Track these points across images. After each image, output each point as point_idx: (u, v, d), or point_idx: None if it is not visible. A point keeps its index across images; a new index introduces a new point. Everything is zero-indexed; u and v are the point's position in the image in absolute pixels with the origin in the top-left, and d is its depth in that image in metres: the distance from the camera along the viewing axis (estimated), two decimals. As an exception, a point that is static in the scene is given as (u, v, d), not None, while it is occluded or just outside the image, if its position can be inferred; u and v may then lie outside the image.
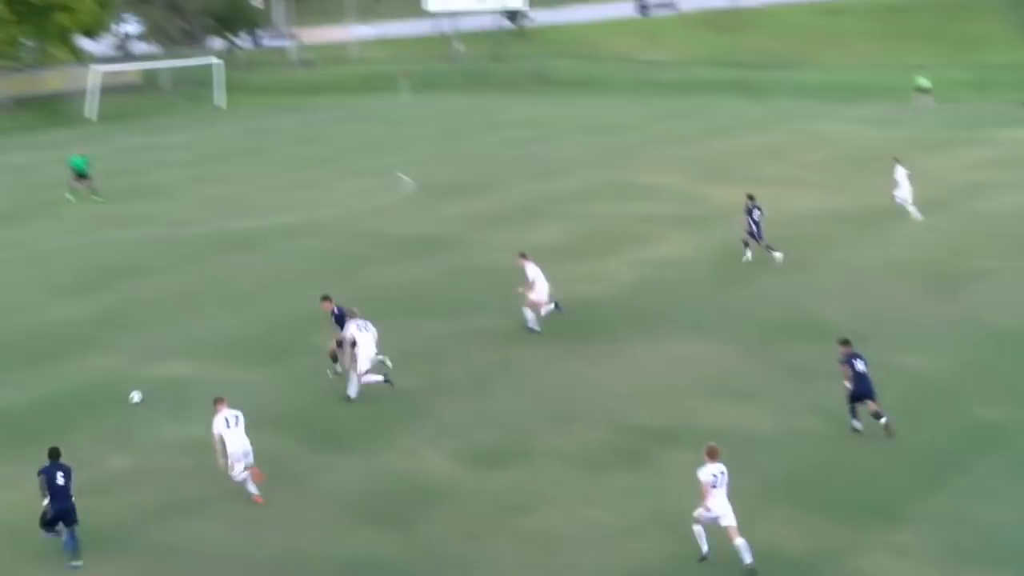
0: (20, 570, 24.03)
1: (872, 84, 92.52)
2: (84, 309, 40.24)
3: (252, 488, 26.16)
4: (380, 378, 31.70)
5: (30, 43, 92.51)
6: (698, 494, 23.03)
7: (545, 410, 28.90)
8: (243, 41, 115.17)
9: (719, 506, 22.98)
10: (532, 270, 36.78)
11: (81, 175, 58.94)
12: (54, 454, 24.90)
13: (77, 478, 24.46)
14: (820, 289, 40.14)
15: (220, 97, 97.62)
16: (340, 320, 32.40)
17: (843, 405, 28.73)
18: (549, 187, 58.61)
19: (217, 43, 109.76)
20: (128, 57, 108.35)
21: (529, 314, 36.62)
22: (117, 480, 27.25)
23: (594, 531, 24.52)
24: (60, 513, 24.38)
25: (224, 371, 33.86)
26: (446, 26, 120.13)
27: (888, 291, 39.72)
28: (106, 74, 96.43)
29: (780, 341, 34.90)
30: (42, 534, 24.48)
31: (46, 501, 24.40)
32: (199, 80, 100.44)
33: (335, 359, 32.80)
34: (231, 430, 26.48)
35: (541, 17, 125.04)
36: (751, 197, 43.80)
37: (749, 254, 43.39)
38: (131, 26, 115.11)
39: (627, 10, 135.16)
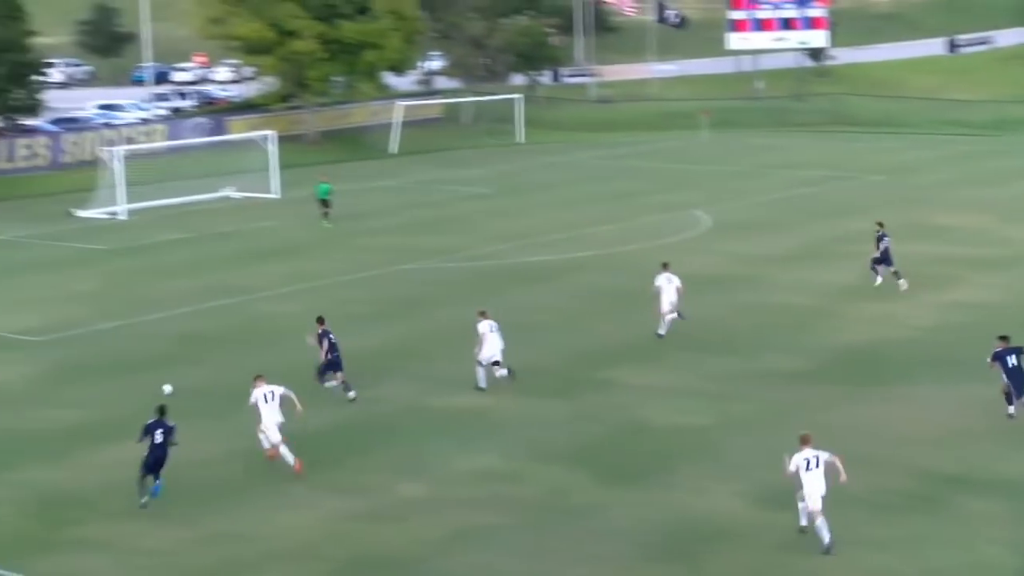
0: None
1: None
2: (379, 338, 41.08)
3: (289, 458, 29.19)
4: (504, 371, 34.97)
5: (339, 79, 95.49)
6: (792, 477, 25.15)
7: (836, 451, 28.11)
8: (544, 77, 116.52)
9: (810, 487, 24.96)
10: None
11: (323, 202, 61.91)
12: (161, 411, 28.31)
13: (363, 503, 24.87)
14: None
15: (519, 132, 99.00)
16: (331, 346, 34.77)
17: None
18: (845, 227, 57.51)
19: (518, 79, 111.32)
20: (431, 92, 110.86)
21: None
22: (408, 508, 27.58)
23: (884, 579, 23.85)
24: (154, 463, 27.80)
25: (515, 402, 34.12)
26: (747, 64, 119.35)
27: None
28: (409, 108, 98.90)
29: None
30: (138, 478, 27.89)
31: (145, 451, 27.71)
32: (499, 115, 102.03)
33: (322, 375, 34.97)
34: (267, 404, 29.60)
35: (844, 56, 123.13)
36: (880, 224, 45.97)
37: (879, 276, 45.29)
38: (435, 62, 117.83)
39: (936, 48, 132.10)
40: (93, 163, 76.15)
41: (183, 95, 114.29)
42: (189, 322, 43.57)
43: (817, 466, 25.18)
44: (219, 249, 57.37)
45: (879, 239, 45.74)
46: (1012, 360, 30.30)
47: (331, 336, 34.99)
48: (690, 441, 30.88)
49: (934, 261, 49.63)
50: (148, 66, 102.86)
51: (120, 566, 25.16)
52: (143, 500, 27.83)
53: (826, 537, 24.63)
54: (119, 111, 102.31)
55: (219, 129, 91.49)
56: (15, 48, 75.46)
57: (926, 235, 55.01)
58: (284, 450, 29.46)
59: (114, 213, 66.53)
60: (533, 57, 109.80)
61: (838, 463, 25.33)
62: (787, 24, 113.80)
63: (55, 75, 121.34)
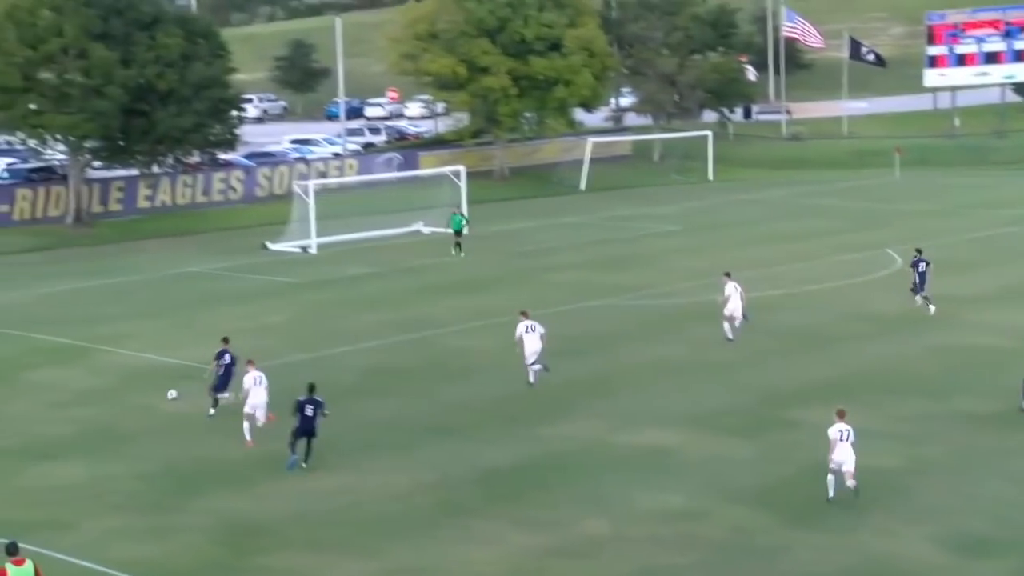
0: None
1: None
2: (565, 374, 40.86)
3: (248, 433, 34.51)
4: (538, 367, 39.23)
5: (530, 115, 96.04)
6: (828, 447, 29.05)
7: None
8: (735, 114, 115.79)
9: (842, 455, 29.07)
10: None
11: (457, 232, 64.76)
12: (311, 388, 32.85)
13: (547, 539, 24.75)
14: None
15: (709, 169, 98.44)
16: (226, 366, 37.40)
17: None
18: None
19: (709, 116, 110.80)
20: (621, 129, 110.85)
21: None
22: (593, 545, 27.44)
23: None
24: (303, 432, 32.44)
25: (700, 441, 33.81)
26: (945, 101, 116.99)
27: None
28: (599, 145, 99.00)
29: None
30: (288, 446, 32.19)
31: (296, 421, 32.28)
32: (688, 152, 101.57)
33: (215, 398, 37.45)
34: (256, 387, 34.91)
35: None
36: (919, 251, 48.75)
37: (918, 299, 47.84)
38: (626, 99, 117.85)
39: None
40: (286, 197, 77.65)
41: (375, 130, 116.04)
42: (377, 355, 44.02)
43: (849, 439, 29.28)
44: (407, 283, 57.94)
45: (915, 264, 48.60)
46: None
47: (228, 355, 37.78)
48: (878, 483, 30.19)
49: None
50: (341, 101, 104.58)
51: (305, 595, 25.44)
52: (291, 460, 32.36)
53: (852, 485, 29.00)
54: (312, 146, 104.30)
55: (410, 164, 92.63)
56: (216, 85, 77.33)
57: None
58: (247, 426, 34.68)
59: (306, 247, 67.67)
60: (725, 94, 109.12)
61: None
62: (991, 58, 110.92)
63: (251, 110, 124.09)
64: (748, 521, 28.24)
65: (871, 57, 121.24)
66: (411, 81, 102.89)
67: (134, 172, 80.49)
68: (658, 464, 32.15)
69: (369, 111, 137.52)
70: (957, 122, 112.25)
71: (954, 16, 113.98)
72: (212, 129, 78.45)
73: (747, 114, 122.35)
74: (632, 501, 29.71)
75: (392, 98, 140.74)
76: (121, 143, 77.01)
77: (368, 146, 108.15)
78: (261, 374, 35.28)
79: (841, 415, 29.67)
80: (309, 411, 32.48)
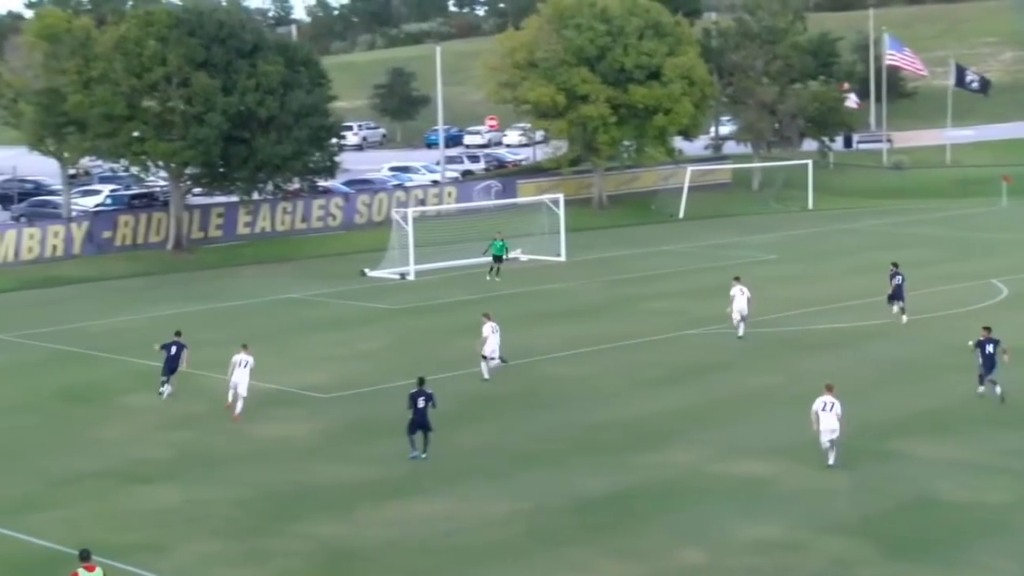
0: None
1: None
2: (664, 403, 40.76)
3: (237, 409, 39.72)
4: (496, 362, 43.69)
5: (629, 143, 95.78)
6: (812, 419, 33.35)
7: None
8: (836, 143, 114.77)
9: (827, 424, 33.45)
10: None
11: (497, 258, 65.72)
12: (420, 382, 35.69)
13: (641, 569, 24.48)
14: None
15: (809, 198, 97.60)
16: (172, 355, 42.84)
17: None
18: None
19: (810, 144, 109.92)
20: (720, 157, 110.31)
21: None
22: (688, 575, 27.10)
23: None
24: (416, 424, 35.12)
25: (798, 472, 33.38)
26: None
27: None
28: (698, 173, 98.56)
29: None
30: (408, 441, 35.10)
31: (410, 415, 35.07)
32: (788, 181, 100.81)
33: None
34: (239, 369, 39.98)
35: None
36: (895, 264, 52.83)
37: (894, 308, 51.56)
38: (725, 127, 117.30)
39: None
40: (384, 224, 77.98)
41: (474, 158, 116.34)
42: (474, 382, 43.90)
43: (831, 409, 33.74)
44: (505, 310, 57.69)
45: (892, 277, 52.48)
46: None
47: (176, 345, 43.06)
48: (984, 518, 29.61)
49: None
50: (440, 129, 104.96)
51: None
52: (412, 454, 35.12)
53: (830, 459, 33.42)
54: (411, 173, 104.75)
55: (508, 192, 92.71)
56: (316, 112, 77.87)
57: None
58: (240, 403, 39.92)
59: (404, 274, 67.83)
60: (825, 122, 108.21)
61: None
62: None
63: (350, 138, 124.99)
64: (847, 553, 27.78)
65: (975, 84, 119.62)
66: (510, 109, 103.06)
67: (234, 199, 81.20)
68: (755, 494, 31.76)
69: (468, 139, 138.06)
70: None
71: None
72: (312, 156, 78.97)
73: (848, 143, 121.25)
74: (728, 532, 29.33)
75: (491, 126, 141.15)
76: (221, 170, 77.75)
77: (466, 174, 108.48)
78: (249, 359, 40.53)
79: (829, 389, 34.27)
80: (421, 403, 35.23)
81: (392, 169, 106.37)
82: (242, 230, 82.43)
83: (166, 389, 43.02)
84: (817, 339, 48.99)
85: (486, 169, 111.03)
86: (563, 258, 71.97)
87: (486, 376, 44.09)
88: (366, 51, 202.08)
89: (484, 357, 44.11)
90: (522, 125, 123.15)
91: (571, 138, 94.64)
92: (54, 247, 75.78)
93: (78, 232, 76.95)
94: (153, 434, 38.90)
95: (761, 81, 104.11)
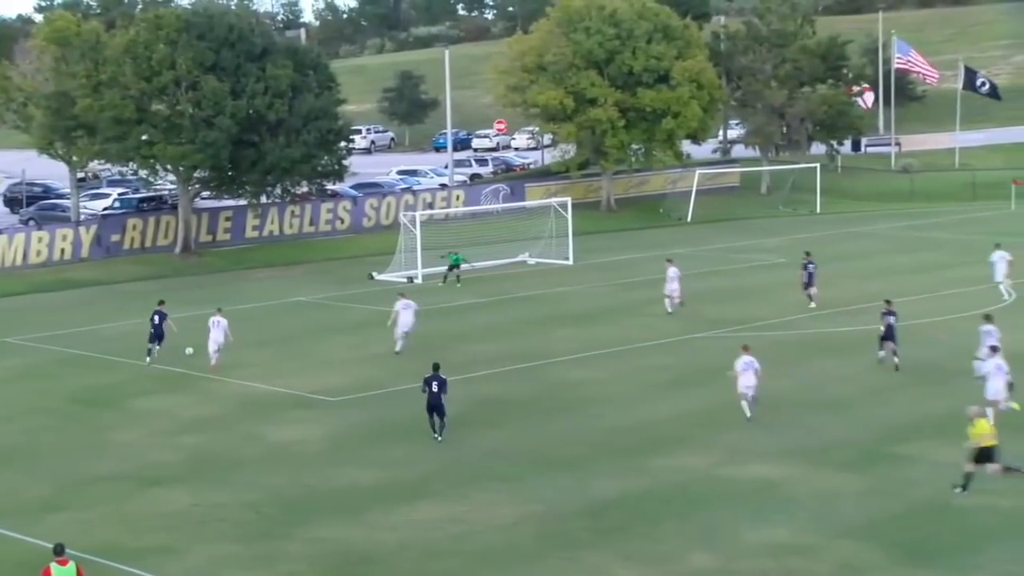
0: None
1: None
2: (675, 407, 40.78)
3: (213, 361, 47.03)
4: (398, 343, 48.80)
5: (637, 147, 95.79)
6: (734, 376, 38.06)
7: None
8: (844, 146, 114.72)
9: (745, 381, 38.36)
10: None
11: (454, 267, 66.92)
12: (436, 367, 37.37)
13: (653, 573, 24.50)
14: None
15: (817, 202, 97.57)
16: (156, 324, 48.69)
17: None
18: None
19: (818, 148, 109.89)
20: (728, 160, 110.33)
21: None
22: (698, 579, 27.20)
23: None
24: (431, 408, 37.11)
25: (810, 475, 33.35)
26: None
27: None
28: (706, 177, 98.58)
29: None
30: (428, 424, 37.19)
31: (426, 398, 37.04)
32: (797, 184, 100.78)
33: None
34: (214, 328, 47.34)
35: None
36: (808, 253, 58.33)
37: (811, 291, 56.22)
38: (733, 131, 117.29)
39: None
40: (393, 227, 78.05)
41: (482, 161, 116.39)
42: (484, 385, 43.96)
43: (750, 368, 38.59)
44: (514, 314, 57.92)
45: (804, 266, 57.10)
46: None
47: (157, 316, 48.76)
48: (997, 522, 29.59)
49: None
50: (449, 133, 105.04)
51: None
52: (436, 437, 37.16)
53: (748, 412, 38.26)
54: (419, 176, 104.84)
55: (517, 195, 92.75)
56: (325, 116, 77.96)
57: None
58: (217, 357, 47.10)
59: (411, 277, 67.86)
60: (834, 126, 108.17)
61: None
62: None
63: (359, 141, 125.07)
64: (857, 558, 27.76)
65: (985, 88, 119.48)
66: (518, 113, 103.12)
67: (242, 202, 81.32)
68: (765, 498, 31.75)
69: (476, 142, 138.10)
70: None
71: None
72: (321, 160, 79.08)
73: (856, 147, 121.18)
74: (739, 535, 29.33)
75: (499, 129, 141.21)
76: (230, 173, 77.88)
77: (475, 177, 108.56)
78: (223, 320, 47.74)
79: (746, 349, 39.09)
80: (435, 387, 36.95)
81: (400, 173, 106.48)
82: (250, 233, 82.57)
83: (151, 358, 48.52)
84: (828, 342, 48.96)
85: (494, 173, 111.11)
86: (571, 262, 71.95)
87: (397, 350, 48.97)
88: (375, 54, 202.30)
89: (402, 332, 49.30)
90: (530, 128, 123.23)
91: (579, 141, 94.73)
92: (63, 250, 75.94)
93: (87, 235, 77.10)
94: (165, 437, 38.95)
95: (770, 84, 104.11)
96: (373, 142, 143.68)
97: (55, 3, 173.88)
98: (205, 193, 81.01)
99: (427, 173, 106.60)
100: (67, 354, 51.71)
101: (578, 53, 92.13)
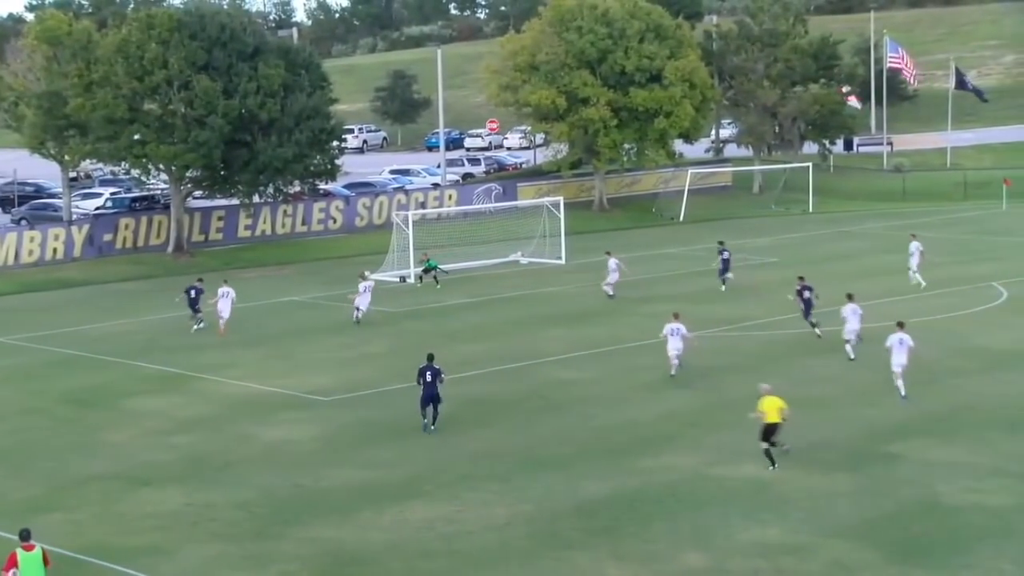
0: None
1: None
2: (666, 406, 40.83)
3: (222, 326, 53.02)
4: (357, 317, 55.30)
5: (630, 146, 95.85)
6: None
7: None
8: (837, 146, 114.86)
9: (673, 345, 43.17)
10: None
11: (429, 271, 67.00)
12: (430, 358, 38.27)
13: (644, 572, 24.54)
14: None
15: (810, 201, 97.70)
16: (191, 298, 54.74)
17: None
18: None
19: (810, 148, 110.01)
20: (721, 160, 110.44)
21: None
22: (689, 578, 27.25)
23: None
24: (426, 398, 37.86)
25: (801, 475, 33.39)
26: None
27: None
28: (698, 176, 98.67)
29: None
30: (420, 413, 38.05)
31: (420, 390, 37.88)
32: (789, 184, 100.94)
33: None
34: (223, 299, 53.20)
35: None
36: (721, 242, 62.77)
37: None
38: (726, 130, 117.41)
39: None
40: (385, 227, 78.06)
41: (475, 161, 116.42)
42: (476, 385, 44.00)
43: (677, 334, 43.20)
44: (506, 313, 57.96)
45: (720, 252, 62.09)
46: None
47: (193, 290, 54.69)
48: (986, 522, 29.64)
49: None
50: (441, 132, 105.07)
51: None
52: (426, 431, 37.83)
53: (673, 370, 43.60)
54: (411, 176, 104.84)
55: (509, 195, 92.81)
56: (317, 115, 77.96)
57: None
58: (224, 324, 53.04)
59: (404, 277, 67.90)
60: (826, 126, 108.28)
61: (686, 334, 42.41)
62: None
63: (351, 141, 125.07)
64: (848, 557, 27.82)
65: (971, 87, 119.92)
66: (511, 112, 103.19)
67: (235, 202, 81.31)
68: (757, 497, 31.79)
69: (469, 142, 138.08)
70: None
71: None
72: (313, 159, 79.09)
73: (848, 146, 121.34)
74: (731, 535, 29.38)
75: (492, 129, 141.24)
76: (223, 173, 77.87)
77: (467, 176, 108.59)
78: (231, 290, 53.85)
79: (676, 317, 43.46)
80: (428, 377, 37.75)
81: (393, 172, 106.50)
82: (243, 233, 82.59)
83: (197, 325, 54.54)
84: (817, 342, 48.99)
85: (487, 172, 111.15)
86: (563, 261, 72.01)
87: (356, 318, 55.37)
88: (367, 54, 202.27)
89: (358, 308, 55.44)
90: (523, 128, 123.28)
91: (572, 141, 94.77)
92: (55, 250, 75.93)
93: (79, 235, 77.09)
94: (157, 437, 38.95)
95: (762, 84, 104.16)
96: (365, 141, 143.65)
97: (46, 2, 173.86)
98: (197, 193, 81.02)
99: (419, 172, 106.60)
100: (59, 354, 51.69)
101: (570, 52, 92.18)
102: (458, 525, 30.36)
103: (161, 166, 77.49)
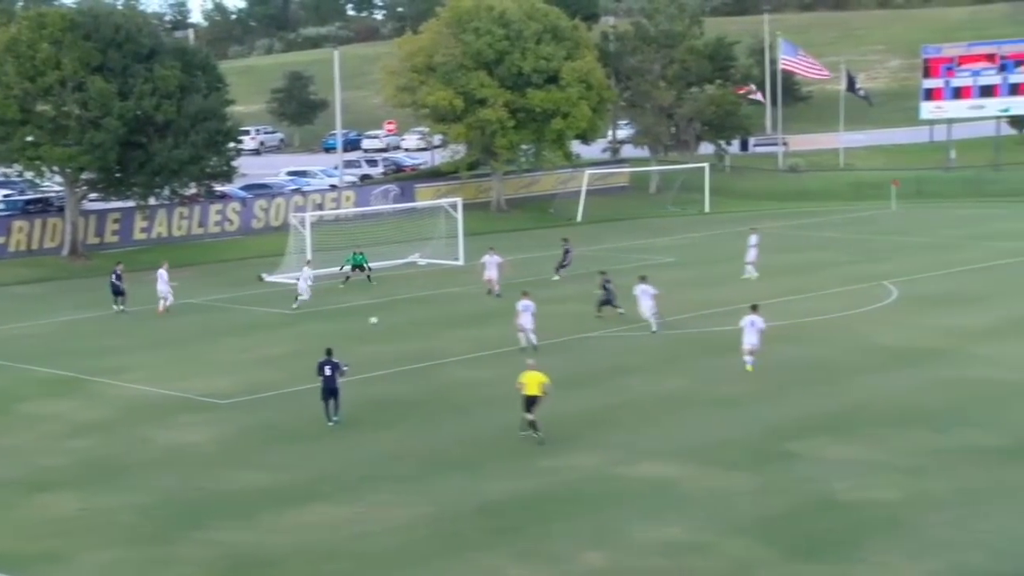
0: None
1: None
2: (566, 406, 40.79)
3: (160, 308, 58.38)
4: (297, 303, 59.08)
5: (527, 147, 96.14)
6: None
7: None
8: (732, 147, 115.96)
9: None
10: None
11: (359, 267, 66.74)
12: (328, 352, 38.87)
13: (546, 573, 24.61)
14: None
15: (706, 201, 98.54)
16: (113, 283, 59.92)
17: None
18: (1047, 301, 56.11)
19: (706, 148, 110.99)
20: (618, 161, 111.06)
21: None
22: (591, 577, 27.36)
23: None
24: (326, 392, 38.40)
25: (702, 474, 33.65)
26: (941, 134, 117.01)
27: None
28: (596, 177, 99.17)
29: None
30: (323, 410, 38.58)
31: (320, 383, 38.42)
32: (685, 184, 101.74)
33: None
34: (159, 282, 58.17)
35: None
36: (565, 239, 65.99)
37: (556, 277, 63.62)
38: (623, 131, 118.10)
39: None
40: (282, 229, 77.67)
41: (372, 162, 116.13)
42: (377, 387, 43.91)
43: (527, 310, 46.95)
44: (405, 315, 57.88)
45: (565, 252, 66.25)
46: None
47: (116, 275, 60.04)
48: (880, 517, 30.05)
49: None
50: (339, 133, 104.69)
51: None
52: (329, 423, 38.43)
53: (523, 342, 47.20)
54: (309, 177, 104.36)
55: (407, 196, 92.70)
56: (213, 117, 77.40)
57: None
58: (163, 304, 58.89)
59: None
60: (722, 126, 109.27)
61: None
62: (986, 91, 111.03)
63: (248, 142, 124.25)
64: (749, 554, 28.06)
65: (861, 93, 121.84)
66: (408, 113, 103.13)
67: (130, 204, 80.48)
68: (659, 497, 31.97)
69: (366, 143, 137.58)
70: (953, 154, 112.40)
71: (950, 50, 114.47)
72: (209, 161, 78.53)
73: (744, 146, 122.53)
74: (632, 534, 29.52)
75: (389, 130, 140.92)
76: (118, 175, 77.08)
77: (365, 178, 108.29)
78: (165, 273, 59.48)
79: (525, 295, 46.76)
80: (328, 371, 38.32)
81: (290, 174, 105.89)
82: (139, 235, 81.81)
83: (119, 308, 59.77)
84: (718, 341, 49.39)
85: (384, 173, 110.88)
86: (461, 262, 72.05)
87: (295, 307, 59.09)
88: (264, 55, 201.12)
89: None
90: (421, 129, 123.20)
91: (469, 142, 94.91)
92: (-54, 253, 74.75)
93: (-29, 238, 75.94)
94: (54, 442, 38.46)
95: (658, 85, 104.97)
96: (262, 143, 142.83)
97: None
98: (93, 195, 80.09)
99: (317, 174, 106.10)
100: (-49, 359, 50.90)
101: (468, 54, 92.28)
102: (360, 527, 30.26)
103: (55, 168, 76.50)
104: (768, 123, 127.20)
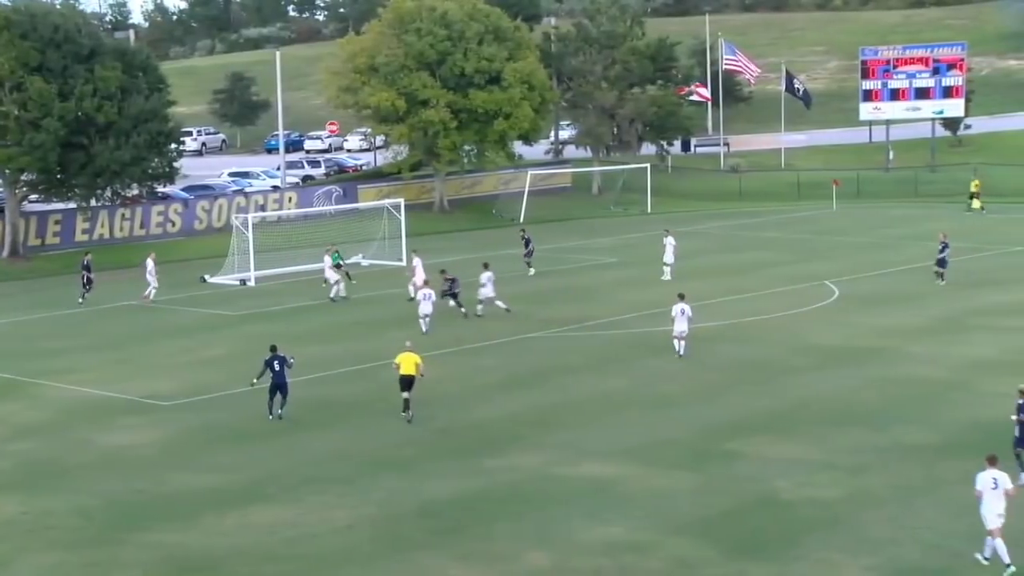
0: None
1: None
2: (507, 407, 41.07)
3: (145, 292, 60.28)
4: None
5: (470, 148, 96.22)
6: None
7: (973, 529, 27.55)
8: (673, 148, 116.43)
9: (423, 308, 42.07)
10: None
11: (337, 266, 64.42)
12: (273, 348, 39.34)
13: (488, 573, 24.69)
14: None
15: (648, 202, 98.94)
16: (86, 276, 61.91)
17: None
18: (979, 300, 56.64)
19: (648, 149, 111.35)
20: (560, 161, 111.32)
21: None
22: (533, 577, 27.50)
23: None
24: (275, 387, 38.78)
25: (643, 473, 33.88)
26: (879, 134, 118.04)
27: None
28: (538, 177, 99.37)
29: None
30: (267, 406, 39.02)
31: (269, 380, 38.77)
32: (627, 184, 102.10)
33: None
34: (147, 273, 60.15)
35: (982, 124, 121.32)
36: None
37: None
38: (565, 132, 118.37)
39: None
40: (224, 230, 77.40)
41: (315, 163, 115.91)
42: (319, 388, 43.90)
43: (428, 298, 45.17)
44: (348, 316, 57.84)
45: (526, 242, 67.96)
46: None
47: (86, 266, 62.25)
48: (818, 514, 30.41)
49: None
50: (281, 134, 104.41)
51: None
52: (271, 417, 38.97)
53: (424, 328, 45.38)
54: (251, 179, 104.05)
55: (349, 197, 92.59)
56: (155, 118, 77.06)
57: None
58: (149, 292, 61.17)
59: (244, 280, 67.42)
60: (663, 127, 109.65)
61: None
62: (921, 93, 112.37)
63: (190, 143, 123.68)
64: (690, 553, 28.29)
65: (800, 93, 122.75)
66: (351, 114, 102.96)
67: (71, 205, 79.99)
68: (600, 496, 32.16)
69: (308, 144, 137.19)
70: (891, 155, 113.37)
71: (887, 52, 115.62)
72: (151, 162, 78.15)
73: (686, 147, 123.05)
74: (574, 534, 29.69)
75: (332, 131, 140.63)
76: (59, 176, 76.58)
77: (307, 179, 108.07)
78: (150, 263, 62.43)
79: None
80: (277, 366, 38.86)
81: (232, 175, 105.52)
82: (80, 237, 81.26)
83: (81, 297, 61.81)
84: (659, 341, 49.62)
85: (327, 174, 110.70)
86: (404, 263, 71.97)
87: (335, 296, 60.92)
88: (206, 56, 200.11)
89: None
90: (363, 130, 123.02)
91: (412, 143, 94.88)
92: None
93: (-91, 240, 75.24)
94: (-8, 445, 38.27)
95: (600, 86, 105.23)
96: (204, 144, 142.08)
97: None
98: (33, 196, 79.53)
99: (259, 175, 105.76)
100: None
101: (410, 54, 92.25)
102: (302, 528, 30.30)
103: (-6, 169, 75.94)
104: (710, 124, 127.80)
